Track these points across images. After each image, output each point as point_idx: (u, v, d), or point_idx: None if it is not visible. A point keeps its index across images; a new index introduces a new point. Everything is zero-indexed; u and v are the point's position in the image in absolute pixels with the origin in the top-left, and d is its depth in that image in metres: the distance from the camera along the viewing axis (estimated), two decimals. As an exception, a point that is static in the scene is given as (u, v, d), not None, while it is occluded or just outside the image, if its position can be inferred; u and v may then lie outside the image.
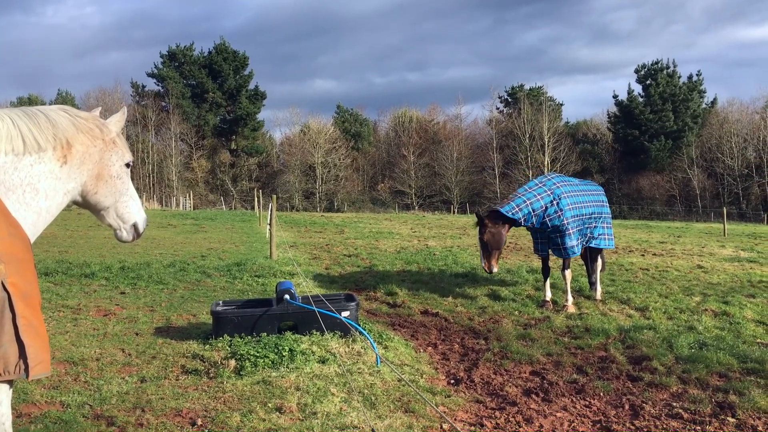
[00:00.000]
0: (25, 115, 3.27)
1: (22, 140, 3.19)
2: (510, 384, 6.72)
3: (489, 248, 10.37)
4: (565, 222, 10.43)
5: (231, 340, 7.63)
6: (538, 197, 10.33)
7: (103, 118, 3.75)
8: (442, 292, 11.97)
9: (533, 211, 10.27)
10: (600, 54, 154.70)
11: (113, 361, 7.06)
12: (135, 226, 3.73)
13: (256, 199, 38.61)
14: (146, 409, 5.67)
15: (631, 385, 6.67)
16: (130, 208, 3.71)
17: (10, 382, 3.00)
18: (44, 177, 3.25)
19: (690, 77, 77.73)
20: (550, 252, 10.92)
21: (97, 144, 3.51)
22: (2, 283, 2.88)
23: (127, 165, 3.67)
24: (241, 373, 6.64)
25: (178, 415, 5.59)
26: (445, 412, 5.82)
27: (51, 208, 3.32)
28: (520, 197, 10.38)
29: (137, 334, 8.28)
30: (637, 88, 78.21)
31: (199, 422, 5.42)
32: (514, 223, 10.41)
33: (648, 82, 77.13)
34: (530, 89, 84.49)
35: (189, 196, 65.91)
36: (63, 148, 3.33)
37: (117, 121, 3.74)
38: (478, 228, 10.54)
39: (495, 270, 10.56)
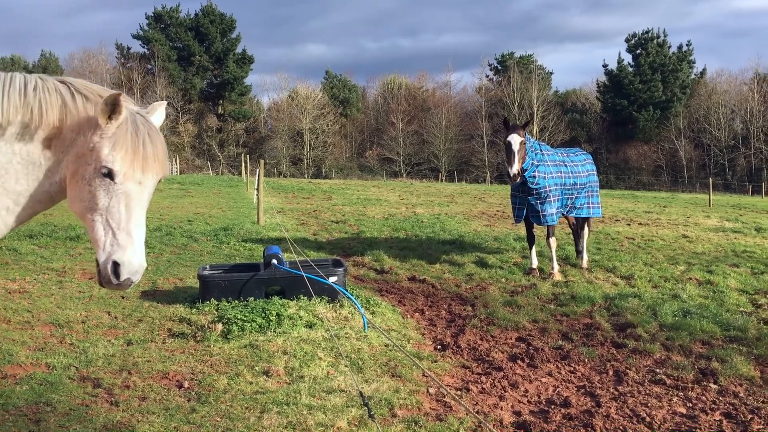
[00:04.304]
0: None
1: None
2: (496, 350, 6.77)
3: (516, 151, 9.96)
4: (547, 188, 10.42)
5: (218, 304, 7.62)
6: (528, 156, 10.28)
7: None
8: (429, 259, 12.00)
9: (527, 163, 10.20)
10: (595, 22, 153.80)
11: (99, 324, 7.03)
12: (113, 265, 2.83)
13: (243, 164, 38.36)
14: (133, 372, 5.67)
15: (615, 352, 6.74)
16: (96, 234, 2.87)
17: None
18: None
19: (680, 47, 77.49)
20: (530, 219, 10.83)
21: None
22: None
23: (106, 174, 2.85)
24: (228, 336, 6.64)
25: (164, 378, 5.59)
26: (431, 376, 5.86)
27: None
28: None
29: (123, 298, 8.24)
30: (627, 58, 77.95)
31: (186, 385, 5.42)
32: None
33: (638, 51, 76.82)
34: (520, 57, 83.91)
35: (175, 160, 65.34)
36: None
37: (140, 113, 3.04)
38: (508, 132, 10.16)
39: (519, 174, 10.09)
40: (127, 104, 2.97)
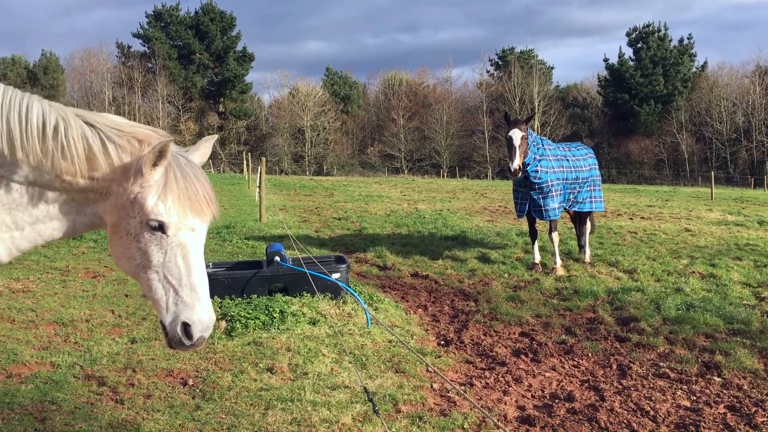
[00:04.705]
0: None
1: None
2: (499, 345, 6.78)
3: (517, 146, 9.95)
4: (549, 183, 10.41)
5: (221, 302, 7.63)
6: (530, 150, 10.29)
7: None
8: (432, 255, 12.00)
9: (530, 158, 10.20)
10: (595, 16, 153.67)
11: (103, 323, 7.04)
12: (182, 326, 2.62)
13: (244, 162, 38.36)
14: (137, 370, 5.68)
15: (618, 346, 6.74)
16: (156, 294, 2.64)
17: None
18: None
19: (681, 41, 77.36)
20: (532, 214, 10.83)
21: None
22: None
23: (157, 227, 2.60)
24: (232, 334, 6.66)
25: (169, 376, 5.60)
26: (435, 373, 5.86)
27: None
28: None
29: (127, 296, 8.26)
30: (628, 52, 77.83)
31: (191, 382, 5.44)
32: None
33: (639, 45, 76.68)
34: (521, 52, 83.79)
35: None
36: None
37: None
38: (509, 127, 10.15)
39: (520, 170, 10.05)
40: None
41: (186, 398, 5.11)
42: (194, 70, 78.99)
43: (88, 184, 2.63)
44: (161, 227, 2.59)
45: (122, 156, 2.62)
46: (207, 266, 8.26)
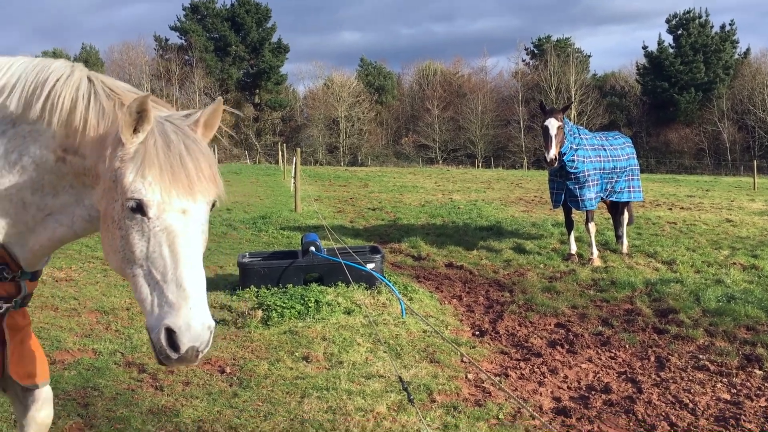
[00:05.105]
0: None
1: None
2: (535, 336, 6.74)
3: (553, 136, 9.88)
4: (586, 173, 10.28)
5: (258, 291, 7.73)
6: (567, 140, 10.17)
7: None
8: (466, 246, 11.96)
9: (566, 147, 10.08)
10: (634, 3, 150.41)
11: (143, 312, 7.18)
12: (166, 333, 2.09)
13: (280, 153, 38.63)
14: (176, 357, 5.78)
15: (657, 338, 6.65)
16: (141, 293, 2.15)
17: None
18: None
19: (723, 27, 75.37)
20: (569, 204, 10.70)
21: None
22: None
23: (136, 208, 2.15)
24: (268, 323, 6.74)
25: (207, 363, 5.70)
26: (469, 363, 5.86)
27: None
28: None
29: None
30: (668, 39, 76.10)
31: (228, 370, 5.52)
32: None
33: (679, 32, 74.94)
34: (557, 41, 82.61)
35: (214, 150, 66.15)
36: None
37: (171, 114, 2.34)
38: (545, 116, 10.08)
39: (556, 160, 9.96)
40: (156, 109, 2.30)
41: (224, 386, 5.20)
42: (230, 62, 79.71)
43: (78, 162, 2.31)
44: (140, 208, 2.13)
45: (101, 123, 2.28)
46: (244, 256, 8.45)
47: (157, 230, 2.13)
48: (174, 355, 2.09)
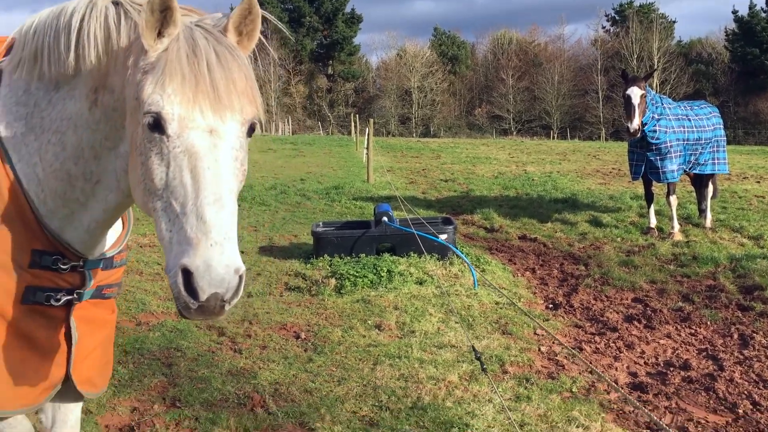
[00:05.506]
0: None
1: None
2: (611, 310, 6.60)
3: (636, 105, 9.61)
4: (668, 144, 9.89)
5: (331, 260, 7.85)
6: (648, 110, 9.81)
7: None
8: (540, 218, 11.77)
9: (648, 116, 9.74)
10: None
11: (222, 277, 7.41)
12: (183, 275, 1.70)
13: (352, 124, 38.83)
14: (253, 322, 5.97)
15: (741, 315, 6.39)
16: (160, 230, 1.81)
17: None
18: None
19: (822, -12, 70.59)
20: (649, 176, 10.33)
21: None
22: None
23: (154, 125, 1.80)
24: (341, 291, 6.85)
25: (282, 329, 5.86)
26: (542, 335, 5.81)
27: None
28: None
29: (243, 252, 8.64)
30: (760, 2, 71.87)
31: (303, 336, 5.66)
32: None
33: (773, -6, 70.67)
34: (640, 6, 79.27)
35: (288, 121, 67.13)
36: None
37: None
38: (627, 85, 9.82)
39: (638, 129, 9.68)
40: (185, 15, 1.95)
41: (299, 351, 5.33)
42: (304, 33, 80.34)
43: (108, 99, 2.02)
44: (158, 124, 1.79)
45: (131, 37, 1.96)
46: (318, 225, 8.58)
47: (178, 152, 1.78)
48: (194, 304, 1.70)
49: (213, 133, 1.81)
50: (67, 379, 2.30)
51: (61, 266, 2.14)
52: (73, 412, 2.54)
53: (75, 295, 2.21)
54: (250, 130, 1.94)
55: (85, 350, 2.32)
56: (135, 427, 4.09)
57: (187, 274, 1.69)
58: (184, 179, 1.76)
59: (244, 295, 6.67)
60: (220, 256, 1.70)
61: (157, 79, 1.79)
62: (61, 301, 2.17)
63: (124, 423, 4.17)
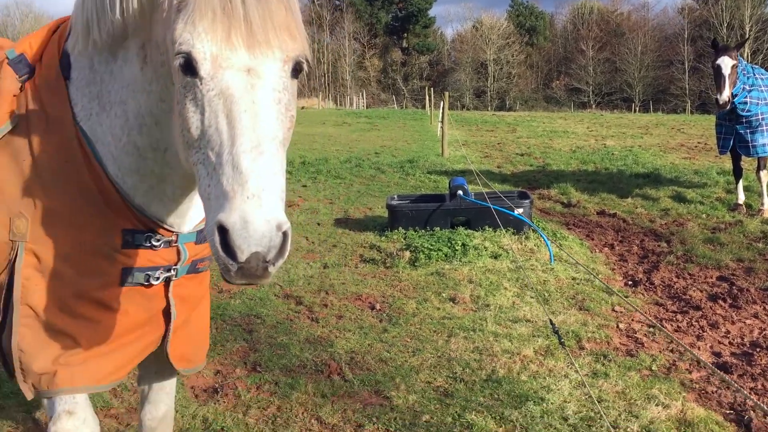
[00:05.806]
0: None
1: None
2: (694, 288, 6.39)
3: (726, 76, 9.24)
4: (759, 116, 9.41)
5: (405, 233, 7.89)
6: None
7: None
8: (620, 193, 11.45)
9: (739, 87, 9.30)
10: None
11: (298, 248, 7.59)
12: (220, 233, 1.51)
13: (427, 97, 38.61)
14: (329, 292, 6.09)
15: (836, 297, 6.07)
16: (200, 186, 1.64)
17: None
18: None
19: None
20: (737, 150, 9.85)
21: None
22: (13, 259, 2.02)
23: (186, 67, 1.63)
24: (416, 264, 6.89)
25: (358, 299, 5.95)
26: (621, 312, 5.69)
27: None
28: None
29: (319, 224, 8.80)
30: None
31: (378, 307, 5.74)
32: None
33: None
34: (731, -29, 75.15)
35: (362, 95, 67.39)
36: None
37: None
38: (717, 54, 9.45)
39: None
40: None
41: (374, 321, 5.41)
42: (379, 6, 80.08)
43: (155, 53, 1.87)
44: (189, 66, 1.62)
45: None
46: (392, 198, 8.63)
47: (212, 95, 1.60)
48: (233, 266, 1.50)
49: (250, 73, 1.61)
50: (164, 354, 2.32)
51: (154, 243, 2.10)
52: (168, 380, 2.60)
53: (172, 272, 2.18)
54: (296, 71, 1.72)
55: (182, 327, 2.32)
56: (218, 389, 4.26)
57: (224, 231, 1.50)
58: (220, 126, 1.58)
59: (320, 266, 6.83)
60: (257, 210, 1.49)
61: (188, 17, 1.61)
62: (160, 279, 2.15)
63: (208, 385, 4.35)
